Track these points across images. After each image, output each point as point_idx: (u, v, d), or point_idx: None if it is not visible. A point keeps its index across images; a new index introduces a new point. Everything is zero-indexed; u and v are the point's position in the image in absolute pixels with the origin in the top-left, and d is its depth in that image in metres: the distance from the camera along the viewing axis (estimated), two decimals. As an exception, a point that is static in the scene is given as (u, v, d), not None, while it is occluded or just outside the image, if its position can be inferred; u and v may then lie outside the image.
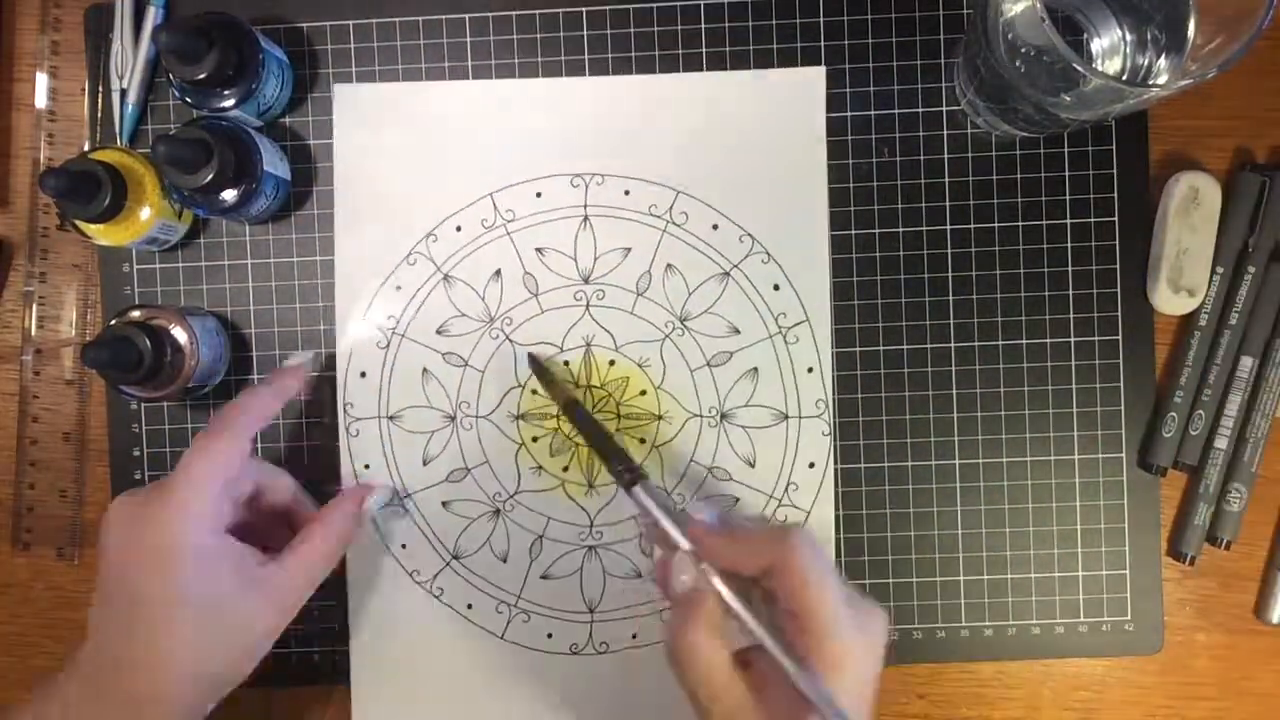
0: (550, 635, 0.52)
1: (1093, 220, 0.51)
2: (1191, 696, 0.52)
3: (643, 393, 0.51)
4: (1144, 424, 0.51)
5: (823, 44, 0.51)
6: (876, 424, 0.52)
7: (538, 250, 0.52)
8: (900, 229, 0.51)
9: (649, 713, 0.51)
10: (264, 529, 0.48)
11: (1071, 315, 0.51)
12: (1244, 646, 0.52)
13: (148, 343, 0.46)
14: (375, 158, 0.52)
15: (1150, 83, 0.44)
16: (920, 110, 0.51)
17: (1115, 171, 0.51)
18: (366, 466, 0.52)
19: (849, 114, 0.51)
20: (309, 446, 0.52)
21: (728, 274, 0.51)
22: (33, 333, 0.54)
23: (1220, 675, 0.52)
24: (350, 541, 0.48)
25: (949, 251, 0.51)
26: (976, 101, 0.49)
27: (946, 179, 0.51)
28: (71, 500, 0.54)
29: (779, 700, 0.37)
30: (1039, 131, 0.50)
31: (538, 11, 0.52)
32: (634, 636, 0.52)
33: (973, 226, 0.51)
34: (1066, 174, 0.51)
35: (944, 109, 0.51)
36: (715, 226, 0.51)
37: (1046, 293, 0.51)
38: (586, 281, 0.52)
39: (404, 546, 0.52)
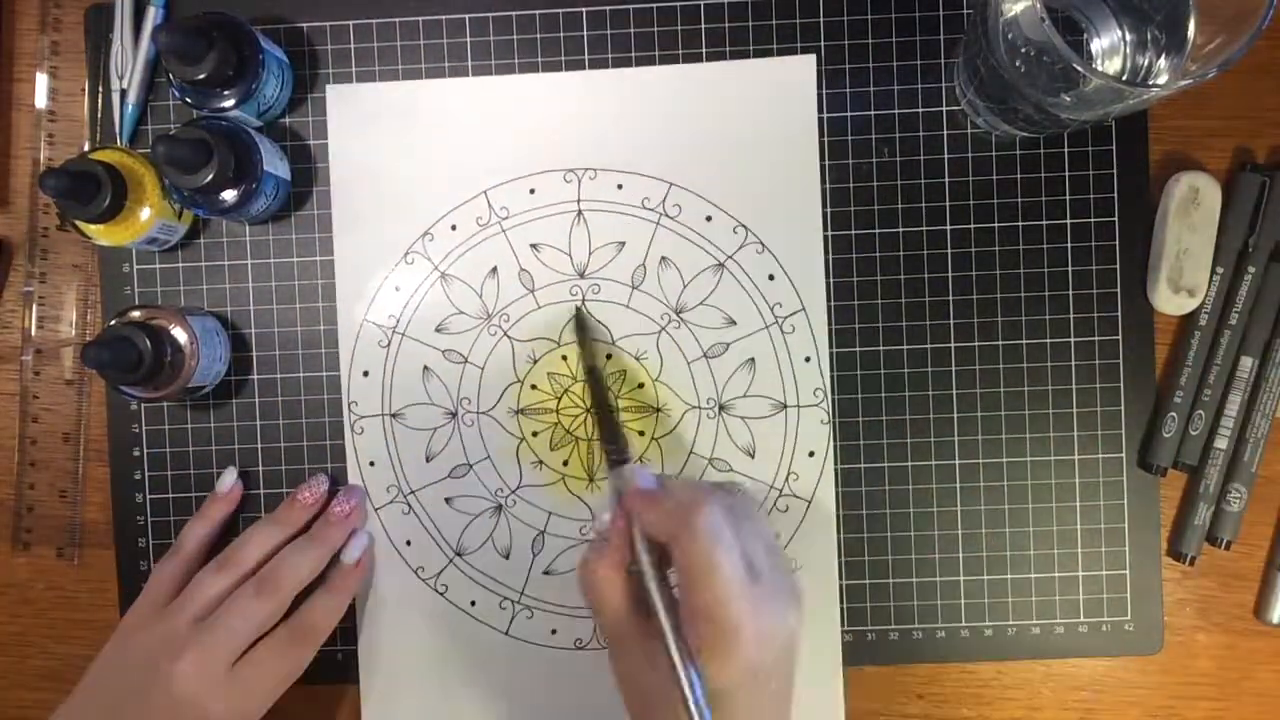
0: (554, 631, 0.52)
1: (1093, 220, 0.51)
2: (1191, 696, 0.52)
3: (640, 385, 0.52)
4: (1144, 424, 0.51)
5: (822, 44, 0.51)
6: (877, 424, 0.52)
7: (533, 246, 0.52)
8: (900, 229, 0.51)
9: None
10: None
11: (1071, 315, 0.51)
12: (1244, 646, 0.52)
13: (148, 343, 0.46)
14: (370, 158, 0.52)
15: (1150, 83, 0.44)
16: (920, 110, 0.51)
17: (1115, 171, 0.51)
18: (371, 464, 0.52)
19: (849, 114, 0.51)
20: (310, 446, 0.52)
21: (722, 265, 0.51)
22: (33, 333, 0.54)
23: (1220, 675, 0.52)
24: (313, 650, 0.49)
25: (949, 251, 0.51)
26: (976, 101, 0.49)
27: (946, 179, 0.51)
28: (71, 500, 0.54)
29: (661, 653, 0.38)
30: (1039, 131, 0.50)
31: (538, 11, 0.52)
32: None
33: (973, 226, 0.51)
34: (1066, 174, 0.51)
35: (944, 109, 0.51)
36: (709, 218, 0.51)
37: (1046, 293, 0.51)
38: (582, 276, 0.52)
39: (409, 544, 0.52)
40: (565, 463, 0.52)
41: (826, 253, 0.51)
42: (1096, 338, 0.51)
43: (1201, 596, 0.52)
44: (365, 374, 0.52)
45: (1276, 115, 0.51)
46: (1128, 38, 0.46)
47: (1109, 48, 0.46)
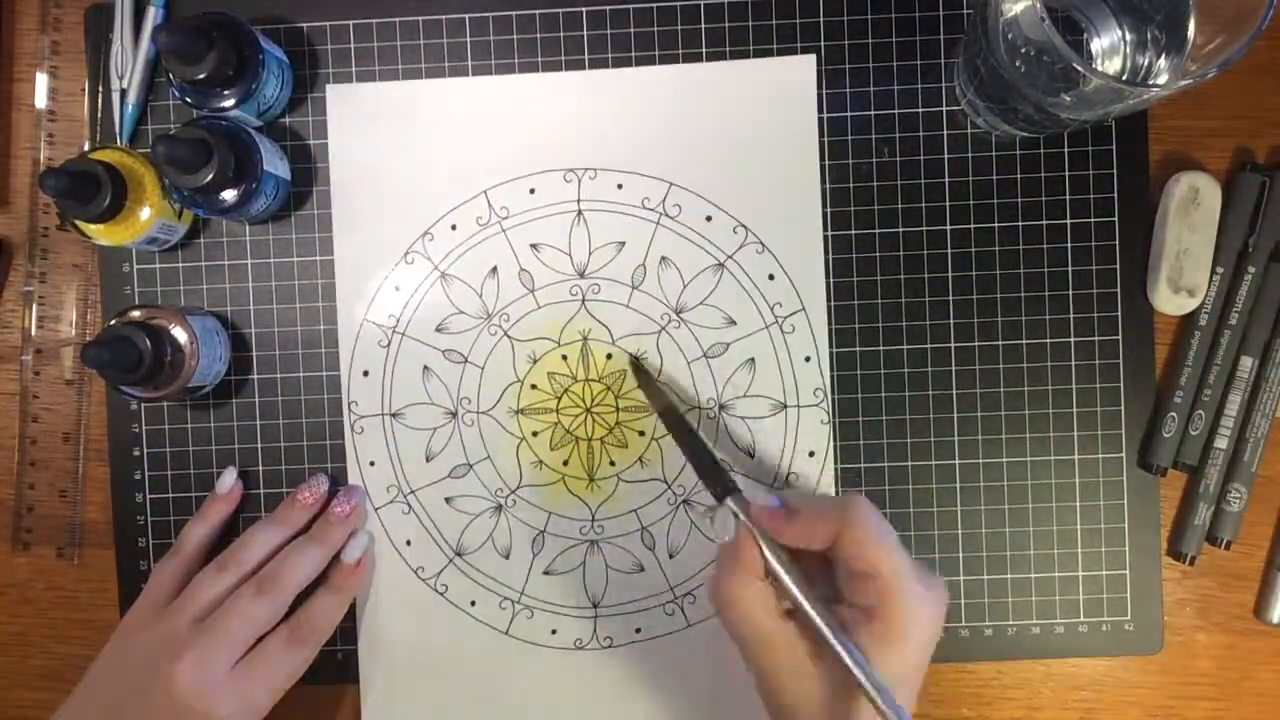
0: (554, 631, 0.52)
1: (1093, 220, 0.51)
2: (1191, 696, 0.52)
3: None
4: (1144, 424, 0.51)
5: (822, 44, 0.51)
6: (877, 424, 0.52)
7: (533, 246, 0.52)
8: (900, 229, 0.51)
9: (655, 707, 0.51)
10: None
11: (1071, 315, 0.51)
12: (1244, 646, 0.52)
13: (148, 343, 0.46)
14: (369, 158, 0.52)
15: (1150, 83, 0.44)
16: (920, 110, 0.51)
17: (1115, 171, 0.51)
18: (371, 464, 0.52)
19: (849, 114, 0.51)
20: (310, 446, 0.52)
21: (722, 265, 0.51)
22: (33, 333, 0.54)
23: (1220, 675, 0.52)
24: (314, 651, 0.49)
25: (949, 251, 0.51)
26: (976, 101, 0.49)
27: (946, 179, 0.51)
28: (71, 500, 0.54)
29: (834, 662, 0.37)
30: (1039, 131, 0.50)
31: (538, 11, 0.52)
32: (638, 631, 0.52)
33: (973, 226, 0.51)
34: (1066, 174, 0.51)
35: (944, 109, 0.51)
36: (709, 218, 0.51)
37: (1046, 293, 0.51)
38: (582, 276, 0.52)
39: (409, 543, 0.52)
40: (565, 463, 0.52)
41: (826, 253, 0.51)
42: (1096, 338, 0.51)
43: (1201, 596, 0.52)
44: (365, 374, 0.52)
45: (1276, 115, 0.51)
46: (1128, 38, 0.46)
47: (1109, 48, 0.46)
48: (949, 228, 0.51)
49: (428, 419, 0.52)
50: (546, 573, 0.52)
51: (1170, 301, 0.50)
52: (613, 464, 0.52)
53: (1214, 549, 0.51)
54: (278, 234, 0.52)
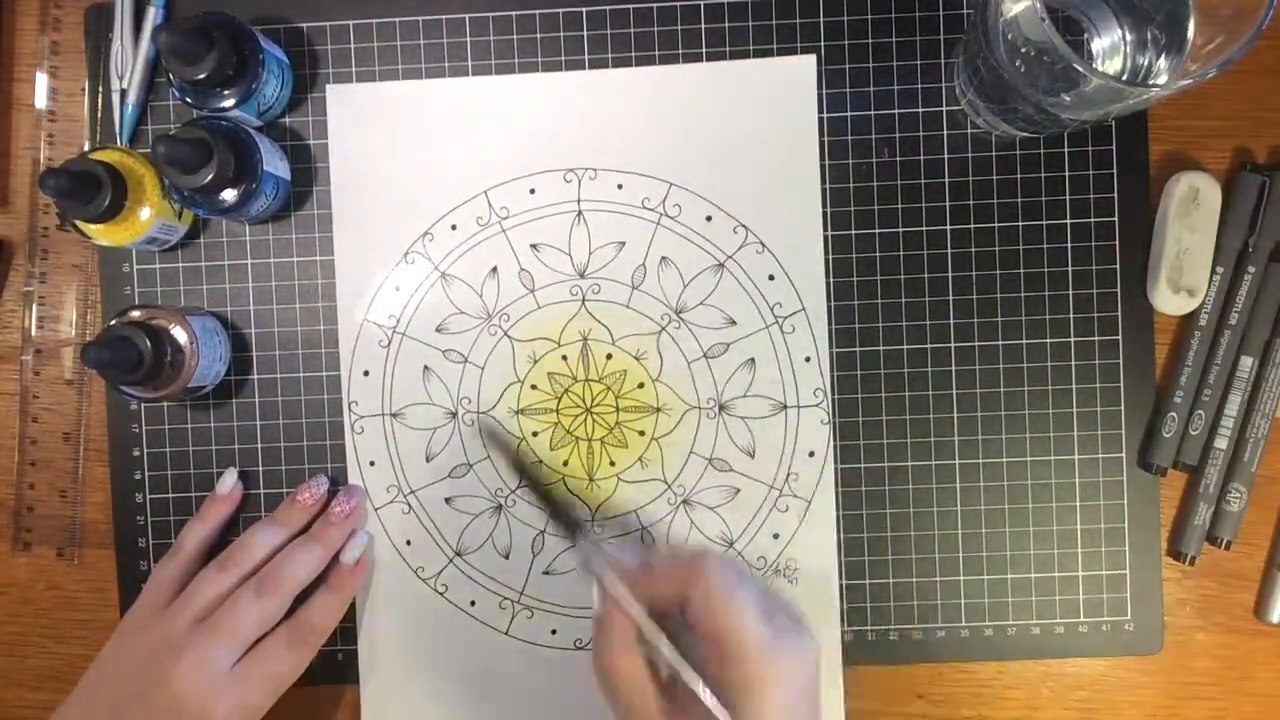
0: (554, 631, 0.52)
1: (1093, 220, 0.51)
2: (1191, 696, 0.52)
3: (640, 385, 0.52)
4: (1144, 424, 0.51)
5: (822, 44, 0.51)
6: (877, 424, 0.52)
7: (533, 246, 0.52)
8: (900, 229, 0.51)
9: None
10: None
11: (1071, 315, 0.51)
12: (1244, 646, 0.52)
13: (148, 343, 0.46)
14: (370, 158, 0.52)
15: (1150, 83, 0.44)
16: (920, 110, 0.51)
17: (1115, 171, 0.51)
18: (371, 463, 0.52)
19: (849, 114, 0.51)
20: (310, 446, 0.52)
21: (723, 265, 0.51)
22: (33, 333, 0.54)
23: (1220, 675, 0.52)
24: (313, 650, 0.48)
25: (949, 251, 0.51)
26: (976, 101, 0.49)
27: (946, 179, 0.51)
28: (71, 500, 0.54)
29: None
30: (1039, 131, 0.50)
31: (538, 11, 0.52)
32: None
33: (973, 226, 0.51)
34: (1066, 174, 0.51)
35: (944, 109, 0.51)
36: (709, 218, 0.51)
37: (1046, 293, 0.51)
38: (582, 276, 0.52)
39: (409, 543, 0.52)
40: (565, 463, 0.52)
41: (826, 253, 0.51)
42: (1096, 338, 0.51)
43: (1201, 596, 0.52)
44: (365, 374, 0.52)
45: (1276, 115, 0.51)
46: (1128, 38, 0.46)
47: (1109, 48, 0.46)
48: (949, 228, 0.51)
49: (428, 419, 0.52)
50: (546, 573, 0.52)
51: (1170, 301, 0.50)
52: (613, 464, 0.52)
53: (1214, 549, 0.51)
54: (278, 234, 0.52)
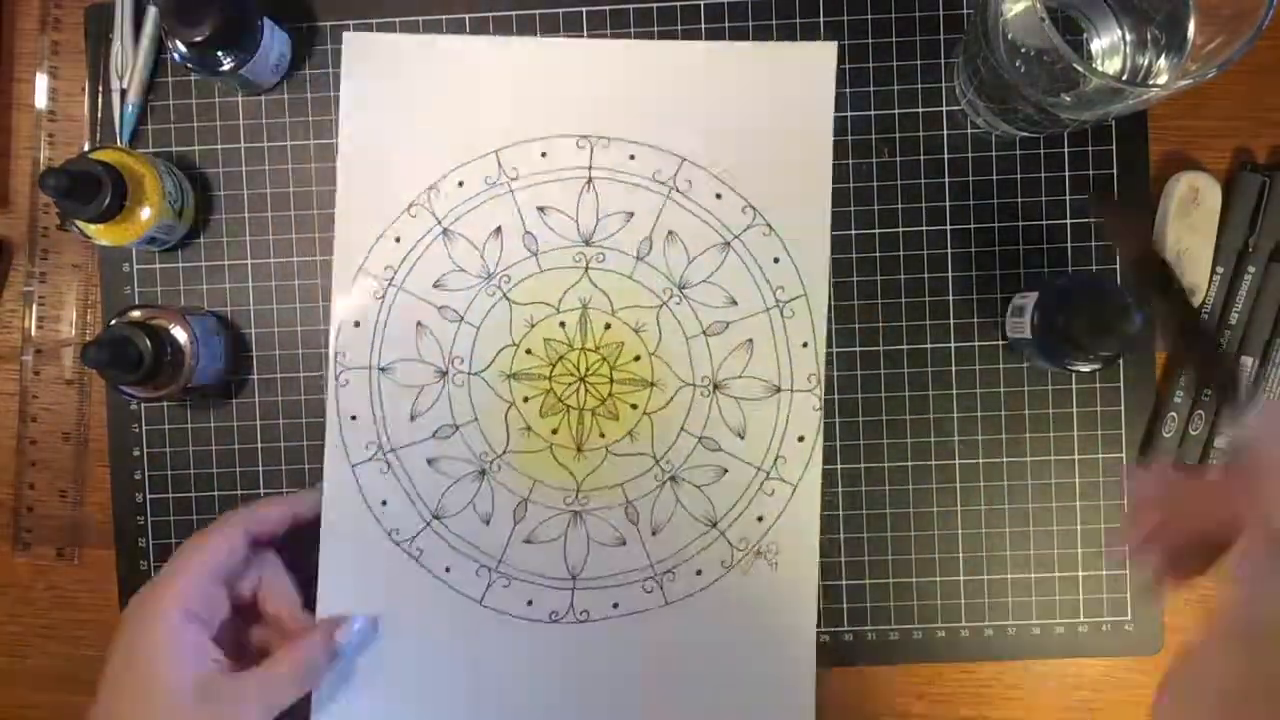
0: (530, 602, 0.51)
1: (1093, 220, 0.51)
2: (1191, 696, 0.52)
3: (636, 358, 0.51)
4: (1144, 424, 0.51)
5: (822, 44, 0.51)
6: (877, 424, 0.51)
7: (540, 209, 0.51)
8: (900, 229, 0.51)
9: (627, 683, 0.51)
10: (263, 637, 0.48)
11: (1071, 315, 0.51)
12: (1244, 646, 0.52)
13: (148, 343, 0.46)
14: (381, 109, 0.51)
15: (1150, 83, 0.44)
16: (920, 110, 0.51)
17: (1115, 171, 0.51)
18: (353, 418, 0.51)
19: (849, 114, 0.51)
20: (310, 446, 0.52)
21: (728, 244, 0.51)
22: (33, 333, 0.54)
23: (1220, 675, 0.52)
24: (320, 674, 0.47)
25: (949, 251, 0.51)
26: (976, 101, 0.49)
27: (946, 179, 0.51)
28: (71, 500, 0.54)
29: None
30: (1039, 131, 0.50)
31: (538, 12, 0.52)
32: (615, 606, 0.51)
33: (973, 226, 0.51)
34: (1066, 174, 0.51)
35: (944, 109, 0.51)
36: (719, 196, 0.51)
37: (1046, 293, 0.51)
38: (587, 243, 0.51)
39: (384, 504, 0.51)
40: (554, 431, 0.51)
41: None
42: (1096, 338, 0.51)
43: (1202, 596, 0.52)
44: (356, 324, 0.51)
45: (1276, 115, 0.51)
46: (1128, 38, 0.46)
47: (1109, 48, 0.46)
48: (949, 228, 0.51)
49: (417, 376, 0.51)
50: (527, 541, 0.51)
51: (1170, 301, 0.50)
52: (602, 435, 0.51)
53: (1214, 549, 0.51)
54: (278, 234, 0.52)
